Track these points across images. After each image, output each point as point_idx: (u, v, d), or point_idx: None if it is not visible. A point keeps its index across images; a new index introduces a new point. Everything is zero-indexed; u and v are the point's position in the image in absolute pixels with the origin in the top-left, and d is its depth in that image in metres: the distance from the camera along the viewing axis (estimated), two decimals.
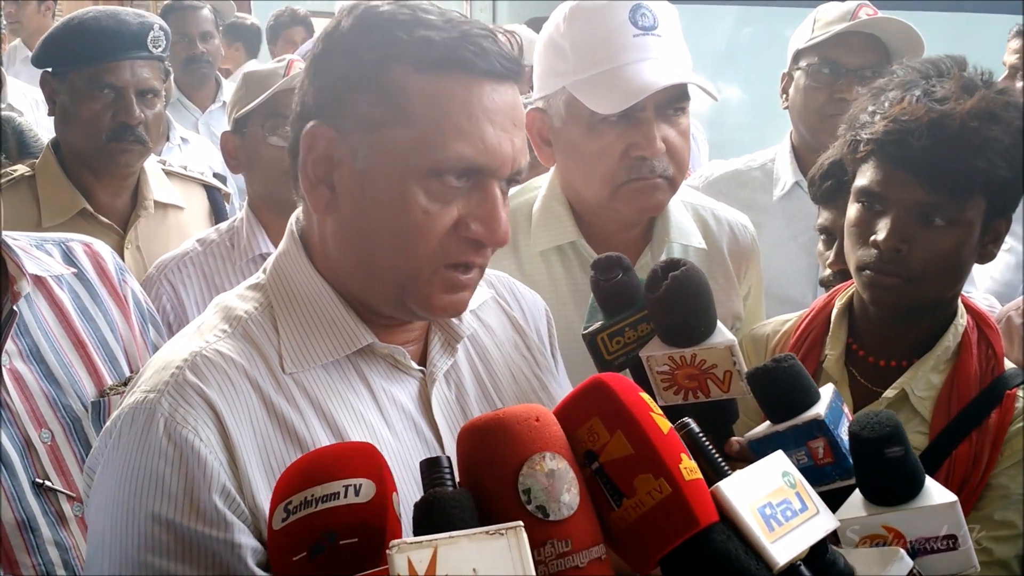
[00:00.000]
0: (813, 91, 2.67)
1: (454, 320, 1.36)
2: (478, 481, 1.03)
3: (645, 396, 1.07)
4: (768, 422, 1.33)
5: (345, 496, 1.02)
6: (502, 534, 0.93)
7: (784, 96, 2.79)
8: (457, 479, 1.04)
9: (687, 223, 2.02)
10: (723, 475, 1.06)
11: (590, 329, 1.46)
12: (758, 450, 1.29)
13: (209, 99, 4.74)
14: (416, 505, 0.99)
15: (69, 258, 1.80)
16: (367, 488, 1.03)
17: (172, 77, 4.16)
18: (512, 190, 1.39)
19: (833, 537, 1.16)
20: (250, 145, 2.46)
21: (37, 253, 1.75)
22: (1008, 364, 1.72)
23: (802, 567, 1.04)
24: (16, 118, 3.14)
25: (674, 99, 1.85)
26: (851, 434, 1.24)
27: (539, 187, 2.02)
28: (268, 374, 1.23)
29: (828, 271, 2.12)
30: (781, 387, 1.31)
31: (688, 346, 1.38)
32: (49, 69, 2.53)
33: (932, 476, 1.26)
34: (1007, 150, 1.60)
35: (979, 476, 1.64)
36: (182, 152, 3.79)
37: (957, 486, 1.61)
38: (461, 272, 1.26)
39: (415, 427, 1.30)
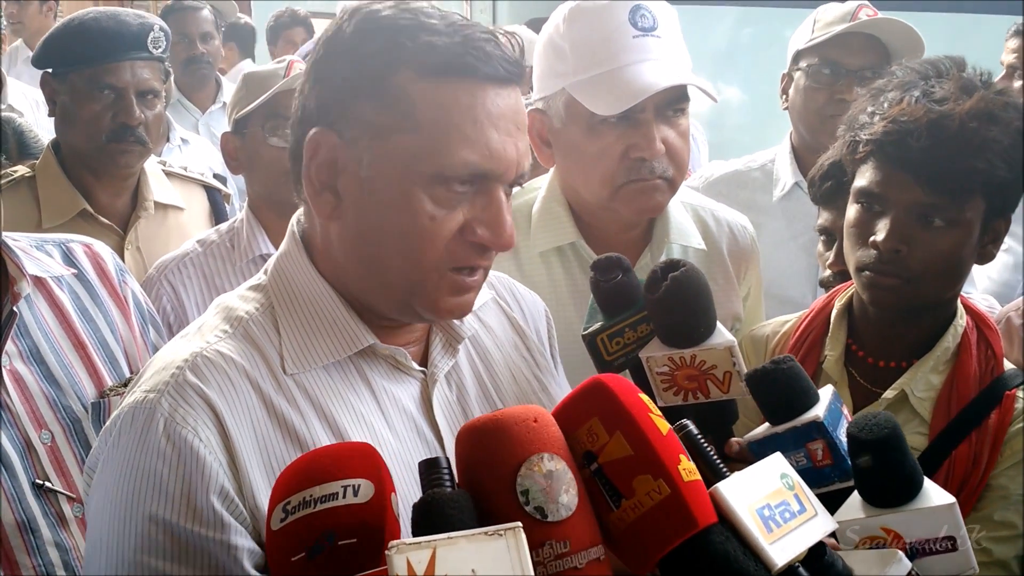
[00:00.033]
0: (813, 92, 2.66)
1: (455, 321, 1.36)
2: (477, 482, 1.03)
3: (644, 397, 1.07)
4: (767, 423, 1.33)
5: (344, 496, 1.02)
6: (501, 535, 0.93)
7: (784, 97, 2.79)
8: (456, 480, 1.04)
9: (687, 224, 2.02)
10: (721, 476, 1.07)
11: (590, 330, 1.46)
12: (757, 451, 1.30)
13: (209, 100, 4.74)
14: (415, 506, 0.99)
15: (69, 259, 1.80)
16: (366, 488, 1.03)
17: (172, 78, 4.16)
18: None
19: (834, 538, 1.16)
20: (250, 146, 2.46)
21: (37, 254, 1.74)
22: (1007, 365, 1.72)
23: (800, 568, 1.04)
24: (16, 119, 3.14)
25: (674, 100, 1.85)
26: (849, 436, 1.25)
27: (539, 188, 2.02)
28: (269, 375, 1.23)
29: (828, 272, 2.11)
30: (780, 389, 1.31)
31: (688, 347, 1.38)
32: (49, 70, 2.53)
33: (932, 477, 1.27)
34: (1006, 151, 1.60)
35: (979, 477, 1.64)
36: (182, 153, 3.80)
37: (957, 487, 1.61)
38: (467, 275, 1.27)
39: (416, 428, 1.30)
